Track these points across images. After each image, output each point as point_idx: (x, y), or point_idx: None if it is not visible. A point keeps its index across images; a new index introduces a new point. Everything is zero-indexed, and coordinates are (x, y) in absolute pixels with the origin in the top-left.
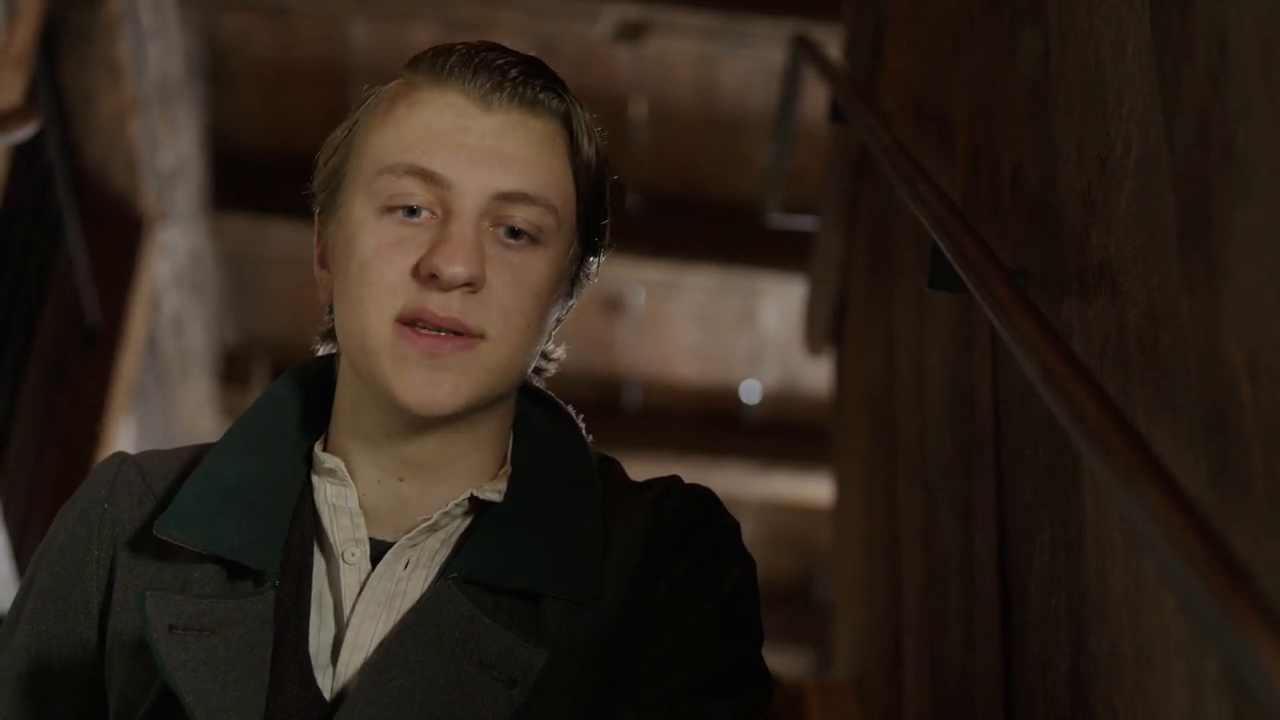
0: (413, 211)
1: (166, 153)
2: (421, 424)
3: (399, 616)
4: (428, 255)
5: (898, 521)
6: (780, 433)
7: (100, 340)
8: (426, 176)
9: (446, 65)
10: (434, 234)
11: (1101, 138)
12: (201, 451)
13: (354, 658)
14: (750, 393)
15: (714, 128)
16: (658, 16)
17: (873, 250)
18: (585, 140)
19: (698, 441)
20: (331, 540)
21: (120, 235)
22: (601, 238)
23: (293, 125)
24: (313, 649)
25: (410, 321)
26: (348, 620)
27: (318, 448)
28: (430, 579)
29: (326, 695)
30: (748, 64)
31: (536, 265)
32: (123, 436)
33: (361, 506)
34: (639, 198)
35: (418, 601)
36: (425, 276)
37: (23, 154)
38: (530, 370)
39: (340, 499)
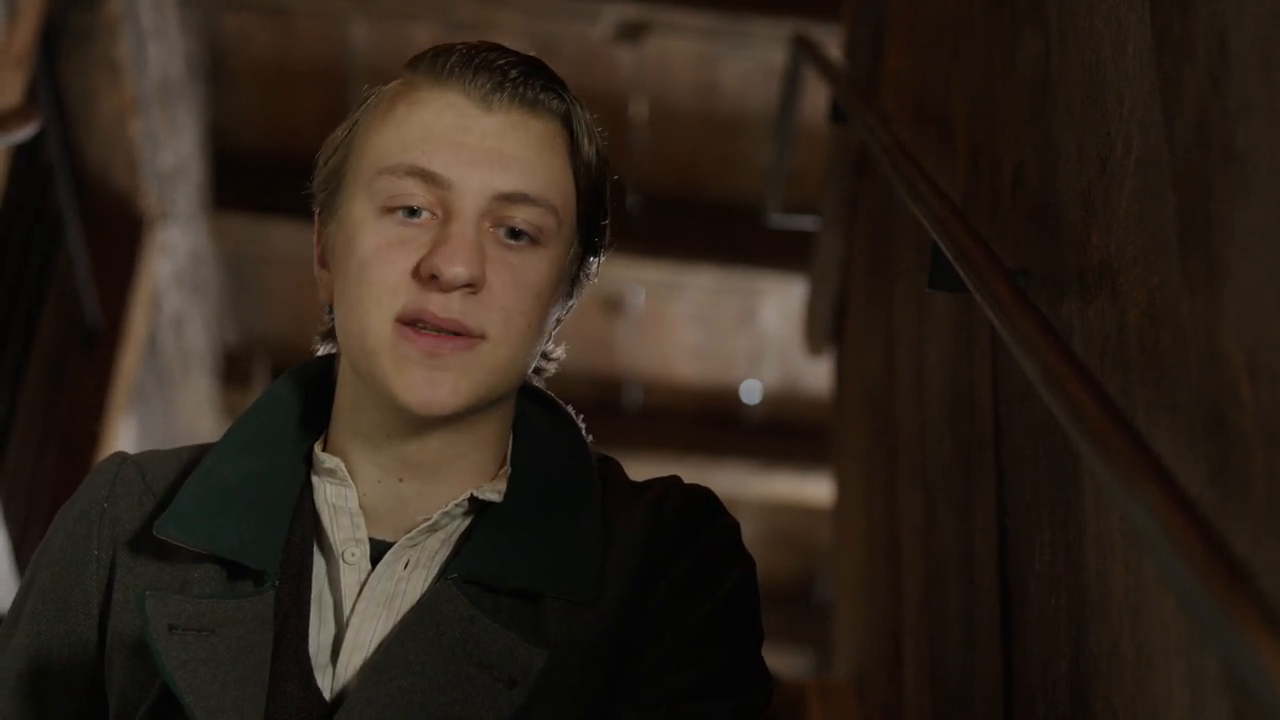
0: (413, 212)
1: (167, 152)
2: (421, 424)
3: (399, 617)
4: (428, 256)
5: (898, 521)
6: (780, 433)
7: (100, 340)
8: (427, 177)
9: (447, 65)
10: (434, 234)
11: (1102, 138)
12: (201, 451)
13: (354, 658)
14: (750, 393)
15: (714, 128)
16: (658, 16)
17: (873, 250)
18: (585, 140)
19: (698, 441)
20: (331, 540)
21: (120, 235)
22: (602, 238)
23: (293, 125)
24: (312, 649)
25: (410, 321)
26: (347, 620)
27: (317, 448)
28: (430, 579)
29: (326, 695)
30: (748, 64)
31: (536, 266)
32: (123, 436)
33: (361, 506)
34: (639, 198)
35: (418, 601)
36: (426, 277)
37: (23, 154)
38: (530, 370)
39: (340, 499)
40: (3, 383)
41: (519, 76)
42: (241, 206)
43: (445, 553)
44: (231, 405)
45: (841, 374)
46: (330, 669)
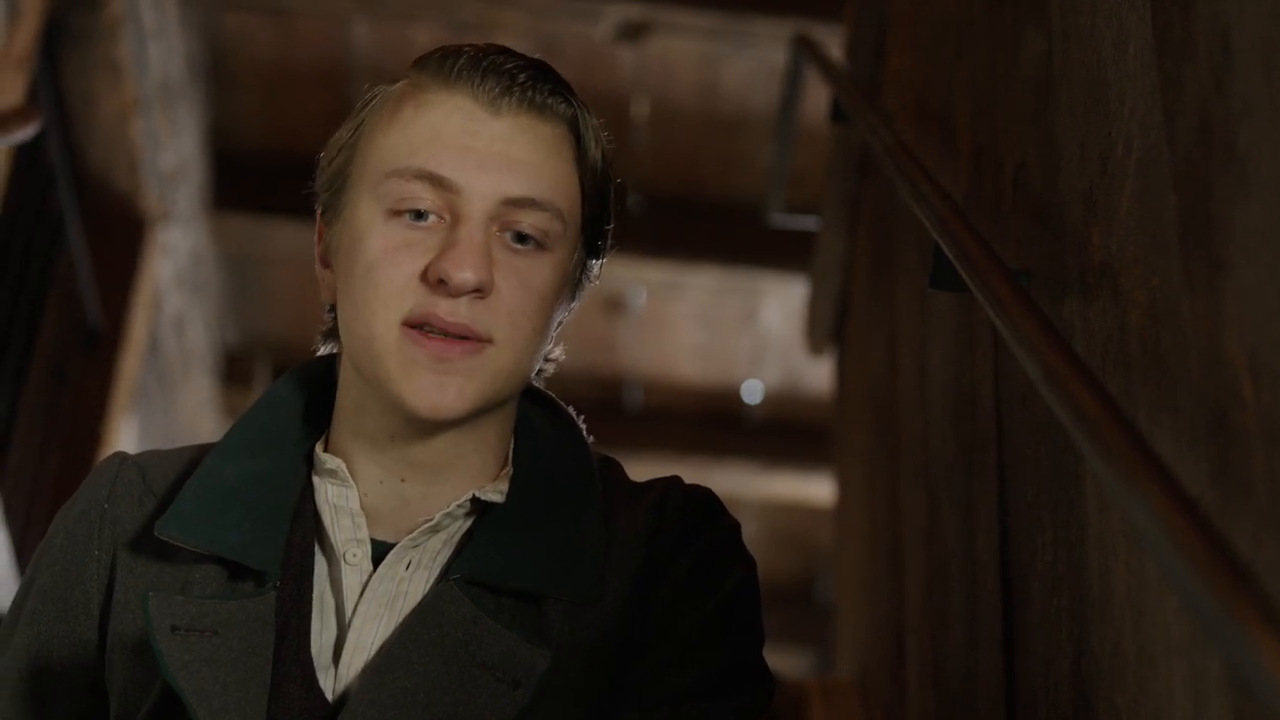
0: (420, 215)
1: (168, 153)
2: (426, 427)
3: (401, 618)
4: (436, 260)
5: (900, 521)
6: (782, 433)
7: (102, 341)
8: (435, 181)
9: (455, 68)
10: (441, 238)
11: (1103, 138)
12: (202, 452)
13: (356, 659)
14: (752, 393)
15: (716, 128)
16: (660, 16)
17: (875, 250)
18: (592, 144)
19: (699, 442)
20: (333, 541)
21: (122, 236)
22: (605, 241)
23: (294, 126)
24: (314, 650)
25: (417, 325)
26: (349, 621)
27: (319, 448)
28: (432, 580)
29: (329, 696)
30: (750, 64)
31: (543, 270)
32: (124, 437)
33: (363, 507)
34: (641, 198)
35: (420, 602)
36: (433, 281)
37: (24, 155)
38: (533, 373)
39: (341, 499)
40: (5, 384)
41: (527, 80)
42: (243, 207)
43: (447, 554)
44: (232, 406)
45: (843, 374)
46: (332, 670)
